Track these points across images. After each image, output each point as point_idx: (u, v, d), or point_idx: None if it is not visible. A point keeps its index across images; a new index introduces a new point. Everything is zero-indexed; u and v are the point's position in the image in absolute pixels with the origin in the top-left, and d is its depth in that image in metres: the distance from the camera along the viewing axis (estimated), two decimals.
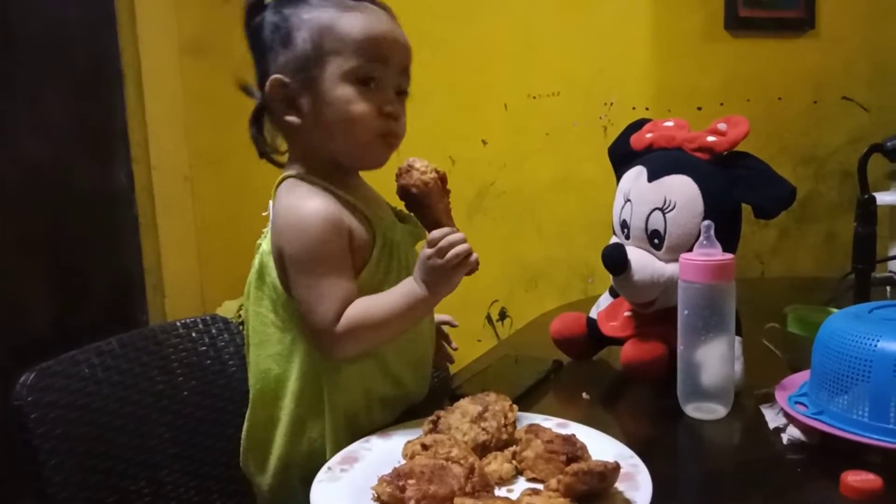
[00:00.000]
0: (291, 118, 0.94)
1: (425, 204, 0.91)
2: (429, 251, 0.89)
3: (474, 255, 0.90)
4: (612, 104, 2.13)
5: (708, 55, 2.08)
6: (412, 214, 0.96)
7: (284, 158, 1.00)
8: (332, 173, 0.95)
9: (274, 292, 0.94)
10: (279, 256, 0.92)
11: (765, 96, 2.07)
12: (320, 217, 0.89)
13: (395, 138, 0.95)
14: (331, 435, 0.93)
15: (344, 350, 0.91)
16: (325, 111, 0.92)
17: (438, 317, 1.11)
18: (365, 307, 0.90)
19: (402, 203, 0.95)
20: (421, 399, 1.03)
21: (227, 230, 2.42)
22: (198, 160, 2.41)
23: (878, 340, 0.80)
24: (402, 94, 0.96)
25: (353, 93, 0.91)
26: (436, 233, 0.90)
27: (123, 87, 2.30)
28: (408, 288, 0.91)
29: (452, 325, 1.15)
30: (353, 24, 0.91)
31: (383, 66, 0.93)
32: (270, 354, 0.95)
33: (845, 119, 2.07)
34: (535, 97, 2.20)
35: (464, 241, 0.89)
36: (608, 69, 2.14)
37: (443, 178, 0.93)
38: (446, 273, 0.88)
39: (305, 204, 0.91)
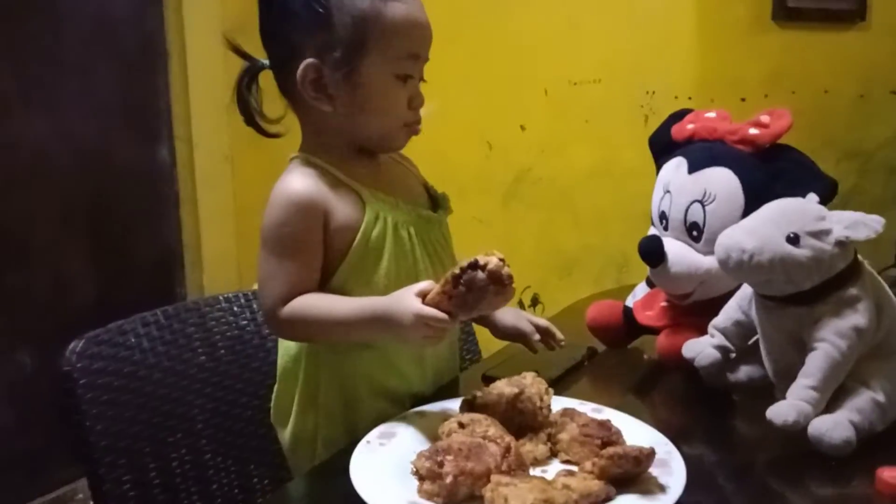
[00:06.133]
0: (322, 104, 0.91)
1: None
2: (427, 313, 0.80)
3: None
4: (654, 93, 2.10)
5: (754, 45, 2.05)
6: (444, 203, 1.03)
7: (275, 127, 0.98)
8: (345, 153, 0.95)
9: None
10: None
11: (811, 89, 2.03)
12: (291, 199, 0.90)
13: (417, 126, 0.96)
14: (324, 420, 0.96)
15: (283, 334, 0.96)
16: (360, 101, 0.91)
17: (536, 320, 1.08)
18: (313, 302, 0.89)
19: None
20: (428, 395, 0.99)
21: (265, 210, 2.45)
22: (238, 140, 2.44)
23: None
24: (421, 80, 0.96)
25: (390, 87, 0.91)
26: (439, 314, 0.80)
27: (168, 66, 2.34)
28: (372, 307, 0.86)
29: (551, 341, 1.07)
30: (396, 16, 0.89)
31: (417, 61, 0.93)
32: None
33: (893, 114, 2.02)
34: (576, 83, 2.18)
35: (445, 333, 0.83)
36: (651, 57, 2.11)
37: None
38: (405, 333, 0.83)
39: (285, 184, 0.92)
